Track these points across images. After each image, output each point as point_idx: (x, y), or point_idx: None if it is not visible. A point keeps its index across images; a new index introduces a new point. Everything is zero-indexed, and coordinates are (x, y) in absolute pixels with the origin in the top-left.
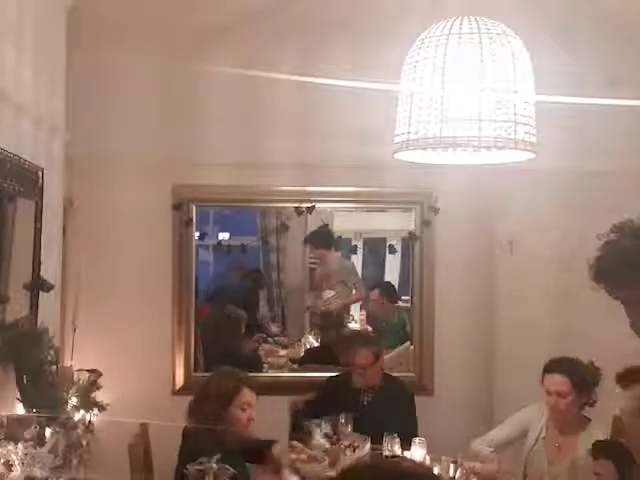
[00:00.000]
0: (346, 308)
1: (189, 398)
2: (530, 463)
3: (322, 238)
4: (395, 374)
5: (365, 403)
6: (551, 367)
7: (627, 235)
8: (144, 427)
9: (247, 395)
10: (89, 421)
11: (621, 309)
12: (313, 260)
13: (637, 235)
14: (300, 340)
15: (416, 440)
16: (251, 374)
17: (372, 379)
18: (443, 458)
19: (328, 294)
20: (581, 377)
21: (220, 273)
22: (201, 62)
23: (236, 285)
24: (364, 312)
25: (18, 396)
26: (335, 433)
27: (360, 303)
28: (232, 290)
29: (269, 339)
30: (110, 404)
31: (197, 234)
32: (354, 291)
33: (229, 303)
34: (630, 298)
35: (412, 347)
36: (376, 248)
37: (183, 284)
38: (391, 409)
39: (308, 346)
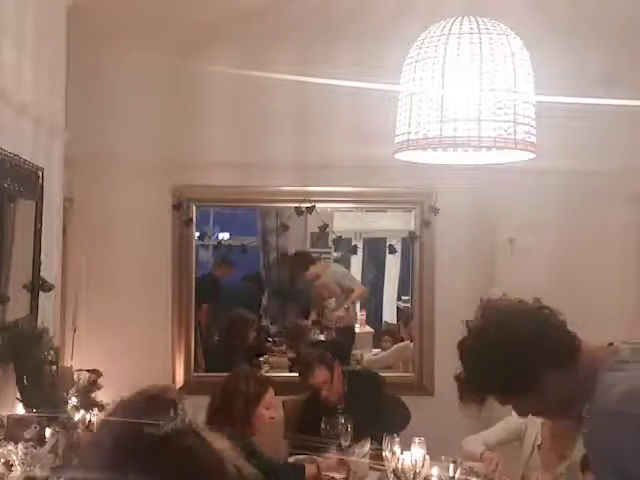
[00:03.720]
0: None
1: (189, 398)
2: (527, 469)
3: (303, 258)
4: (395, 374)
5: (341, 411)
6: None
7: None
8: None
9: (272, 395)
10: (89, 421)
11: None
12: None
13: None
14: None
15: (416, 440)
16: None
17: (337, 390)
18: (443, 458)
19: (332, 302)
20: None
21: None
22: (201, 62)
23: (237, 286)
24: (364, 312)
25: (18, 396)
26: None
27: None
28: (234, 291)
29: (269, 339)
30: (110, 404)
31: (197, 234)
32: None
33: (231, 304)
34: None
35: (412, 346)
36: (376, 248)
37: (183, 284)
38: (367, 400)
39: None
